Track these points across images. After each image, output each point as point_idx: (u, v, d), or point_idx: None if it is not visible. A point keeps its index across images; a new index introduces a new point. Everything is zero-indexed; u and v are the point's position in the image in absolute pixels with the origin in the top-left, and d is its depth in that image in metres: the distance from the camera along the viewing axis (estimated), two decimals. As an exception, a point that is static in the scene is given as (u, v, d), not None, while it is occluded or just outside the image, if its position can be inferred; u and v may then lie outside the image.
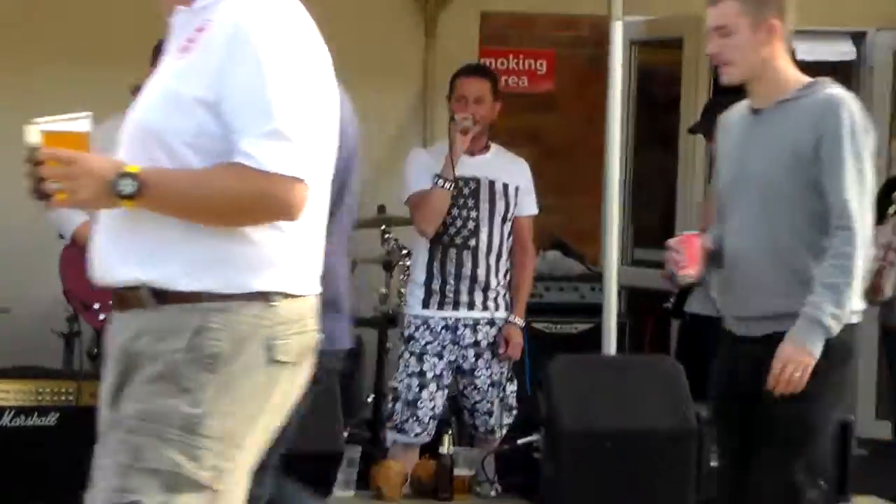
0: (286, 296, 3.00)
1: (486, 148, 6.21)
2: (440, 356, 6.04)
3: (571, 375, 5.50)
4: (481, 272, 6.06)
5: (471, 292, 6.05)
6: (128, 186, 2.98)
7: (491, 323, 6.10)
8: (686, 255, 4.34)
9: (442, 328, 6.06)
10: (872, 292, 7.06)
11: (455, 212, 6.07)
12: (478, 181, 6.10)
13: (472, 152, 6.13)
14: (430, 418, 6.00)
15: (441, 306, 6.07)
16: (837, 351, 4.15)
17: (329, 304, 3.87)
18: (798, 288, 4.15)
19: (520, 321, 6.15)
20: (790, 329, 4.11)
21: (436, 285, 6.08)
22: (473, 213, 6.07)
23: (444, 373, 6.04)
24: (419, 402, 6.00)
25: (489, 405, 6.05)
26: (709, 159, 7.93)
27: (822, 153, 4.11)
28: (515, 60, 8.53)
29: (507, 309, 6.16)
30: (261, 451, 3.08)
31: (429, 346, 6.04)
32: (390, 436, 6.08)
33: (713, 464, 5.45)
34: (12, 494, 5.72)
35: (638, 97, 8.40)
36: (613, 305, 6.02)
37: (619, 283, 6.23)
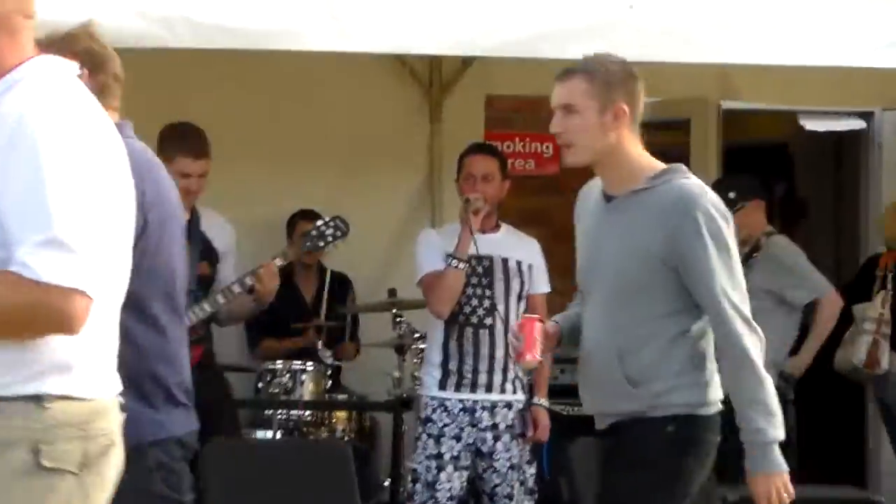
0: (66, 399, 2.86)
1: (497, 227, 6.18)
2: (458, 438, 5.96)
3: (593, 459, 5.39)
4: (499, 351, 6.00)
5: (489, 373, 6.00)
6: None
7: (509, 405, 6.02)
8: (524, 341, 4.18)
9: (459, 410, 5.99)
10: (868, 366, 7.07)
11: (469, 291, 6.02)
12: (491, 259, 6.05)
13: (482, 230, 6.09)
14: (449, 499, 5.92)
15: (458, 388, 6.01)
16: (675, 443, 4.02)
17: (185, 392, 3.82)
18: (643, 387, 4.03)
19: (545, 402, 6.11)
20: (748, 463, 4.03)
21: (453, 366, 6.02)
22: (488, 292, 6.01)
23: (462, 455, 5.96)
24: (437, 485, 5.92)
25: (509, 489, 5.97)
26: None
27: (682, 253, 3.97)
28: (521, 143, 8.52)
29: (524, 390, 6.09)
30: None
31: (446, 429, 5.97)
32: (413, 514, 6.00)
33: (741, 549, 5.36)
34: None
35: (645, 178, 8.36)
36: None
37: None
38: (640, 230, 4.01)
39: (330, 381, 7.00)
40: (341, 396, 7.08)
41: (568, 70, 4.15)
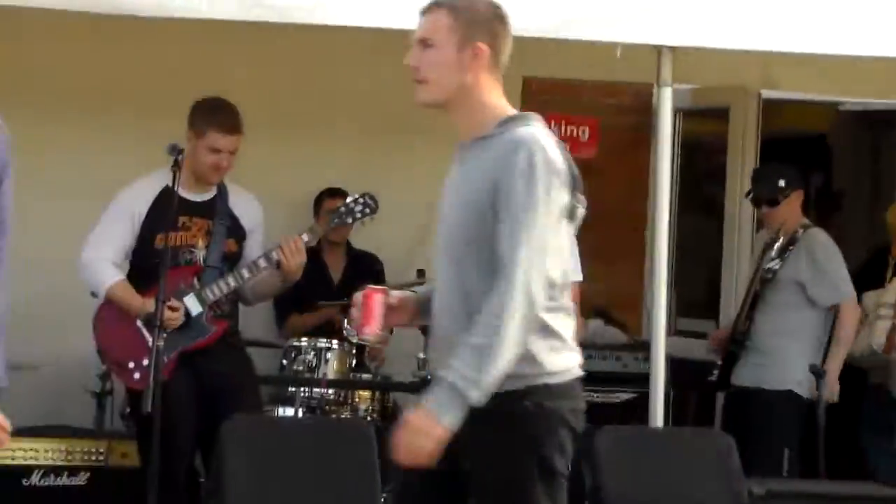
0: None
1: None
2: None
3: (618, 448, 5.34)
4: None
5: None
6: None
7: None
8: (363, 313, 3.97)
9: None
10: (887, 350, 7.03)
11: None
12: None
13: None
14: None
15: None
16: (530, 414, 3.68)
17: None
18: None
19: None
20: (426, 396, 3.65)
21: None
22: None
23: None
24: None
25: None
26: (757, 227, 7.84)
27: (499, 199, 3.71)
28: (557, 126, 8.42)
29: (550, 376, 5.99)
30: None
31: (470, 413, 5.87)
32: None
33: (765, 541, 5.31)
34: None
35: (682, 166, 8.27)
36: (661, 376, 5.87)
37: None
38: (474, 180, 3.80)
39: (354, 360, 6.92)
40: (365, 376, 7.01)
41: (432, 3, 3.90)
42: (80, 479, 5.97)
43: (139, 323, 5.67)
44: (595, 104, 8.51)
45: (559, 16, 5.93)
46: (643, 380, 7.33)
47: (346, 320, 6.92)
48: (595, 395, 7.27)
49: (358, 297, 3.97)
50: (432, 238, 7.45)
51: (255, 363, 6.38)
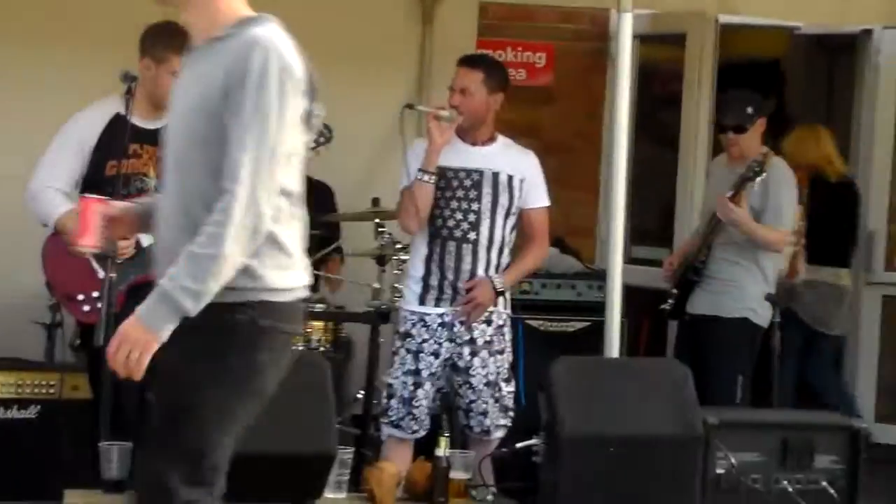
0: None
1: (492, 139, 6.00)
2: (436, 354, 5.84)
3: (574, 378, 5.30)
4: (480, 267, 5.87)
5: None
6: None
7: (488, 321, 5.89)
8: (80, 223, 3.81)
9: (438, 325, 5.86)
10: (789, 276, 7.08)
11: (455, 204, 5.87)
12: (480, 173, 5.90)
13: (473, 143, 5.94)
14: (426, 415, 5.84)
15: (438, 303, 5.88)
16: (241, 329, 3.59)
17: None
18: None
19: (498, 281, 5.86)
20: (141, 307, 3.54)
21: (434, 280, 5.89)
22: (475, 206, 5.87)
23: (440, 371, 5.85)
24: (415, 401, 5.82)
25: (484, 405, 5.86)
26: (713, 153, 7.81)
27: (229, 103, 3.55)
28: (514, 53, 8.37)
29: (505, 307, 5.96)
30: None
31: (425, 345, 5.85)
32: (386, 430, 5.90)
33: (719, 471, 5.30)
34: (-9, 488, 5.55)
35: (637, 93, 8.22)
36: (617, 305, 5.83)
37: (619, 282, 6.04)
38: (205, 83, 3.62)
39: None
40: (319, 306, 6.96)
41: None
42: (31, 413, 5.89)
43: (89, 255, 5.58)
44: (551, 30, 8.43)
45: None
46: (597, 308, 7.31)
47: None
48: (550, 324, 7.26)
49: (75, 207, 3.75)
50: (388, 167, 7.48)
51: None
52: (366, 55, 7.70)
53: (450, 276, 5.86)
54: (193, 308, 3.54)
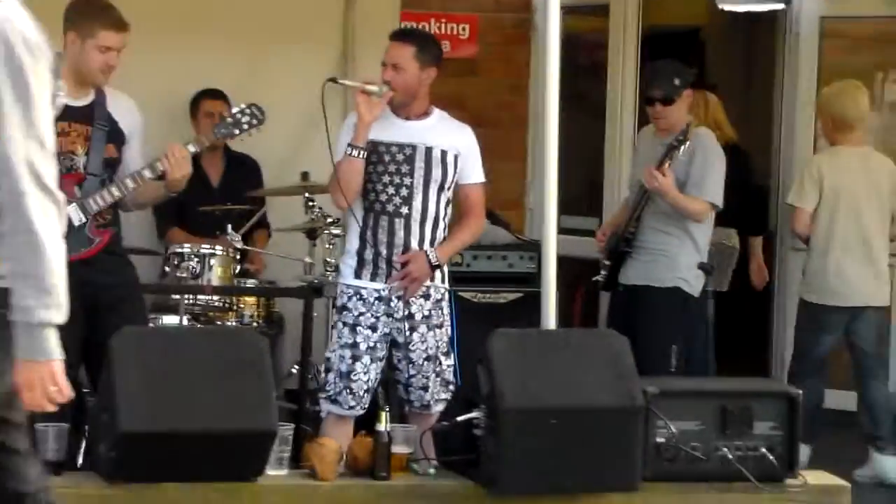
0: None
1: (426, 114, 5.96)
2: (374, 328, 5.81)
3: (512, 350, 5.29)
4: (414, 241, 5.83)
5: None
6: None
7: (426, 296, 5.87)
8: None
9: (375, 299, 5.82)
10: None
11: (387, 179, 5.83)
12: (413, 147, 5.85)
13: (408, 117, 5.90)
14: (365, 392, 5.78)
15: (374, 277, 5.84)
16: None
17: None
18: None
19: (433, 255, 5.81)
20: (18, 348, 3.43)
21: (368, 255, 5.85)
22: (407, 181, 5.83)
23: (378, 345, 5.81)
24: (353, 375, 5.77)
25: (424, 380, 5.84)
26: (638, 124, 7.83)
27: None
28: (438, 24, 8.36)
29: (443, 281, 5.94)
30: None
31: (362, 318, 5.81)
32: (324, 406, 5.85)
33: (660, 440, 5.33)
34: None
35: (562, 63, 8.22)
36: (552, 277, 5.82)
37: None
38: None
39: (238, 266, 6.80)
40: (250, 282, 6.90)
41: None
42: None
43: None
44: (474, 2, 8.43)
45: None
46: (529, 280, 7.37)
47: (228, 226, 6.80)
48: (482, 295, 7.27)
49: None
50: (315, 141, 7.42)
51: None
52: (289, 30, 7.65)
53: (383, 250, 5.82)
54: (54, 312, 3.47)
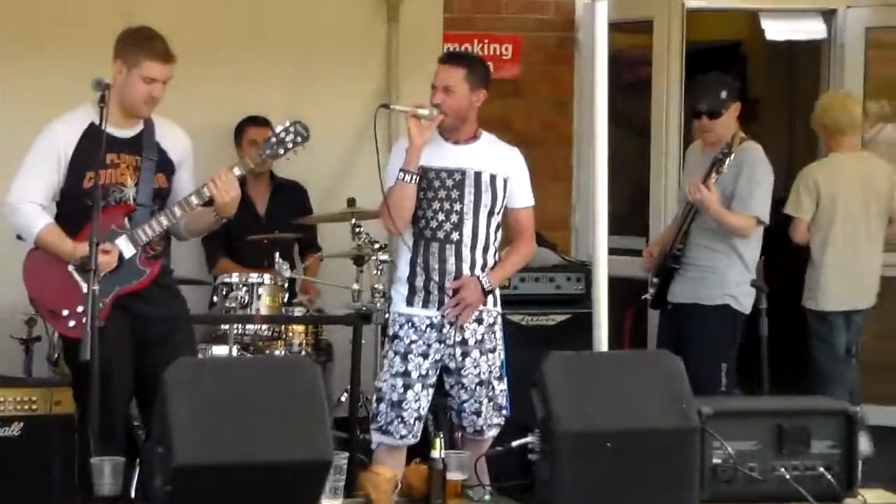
0: None
1: (475, 137, 5.93)
2: (425, 355, 5.78)
3: (566, 373, 5.23)
4: (465, 267, 5.80)
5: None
6: None
7: (479, 320, 5.83)
8: None
9: (427, 326, 5.79)
10: None
11: (437, 205, 5.80)
12: (463, 172, 5.82)
13: (457, 142, 5.87)
14: (416, 419, 5.75)
15: (426, 304, 5.80)
16: None
17: None
18: None
19: (486, 280, 5.80)
20: None
21: (419, 282, 5.81)
22: (457, 206, 5.80)
23: (430, 372, 5.78)
24: (404, 403, 5.75)
25: (477, 405, 5.81)
26: (684, 139, 7.79)
27: None
28: (480, 45, 8.36)
29: (495, 304, 5.91)
30: None
31: (413, 346, 5.78)
32: (375, 437, 5.82)
33: (716, 461, 5.27)
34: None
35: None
36: (604, 298, 5.81)
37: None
38: None
39: (287, 294, 6.80)
40: (298, 310, 6.89)
41: None
42: (14, 430, 5.79)
43: (71, 268, 5.48)
44: (517, 21, 8.42)
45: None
46: (577, 301, 7.33)
47: (276, 254, 6.80)
48: (531, 318, 7.24)
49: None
50: (361, 165, 7.41)
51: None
52: (333, 54, 7.66)
53: (435, 276, 5.80)
54: None
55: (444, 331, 5.79)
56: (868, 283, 7.47)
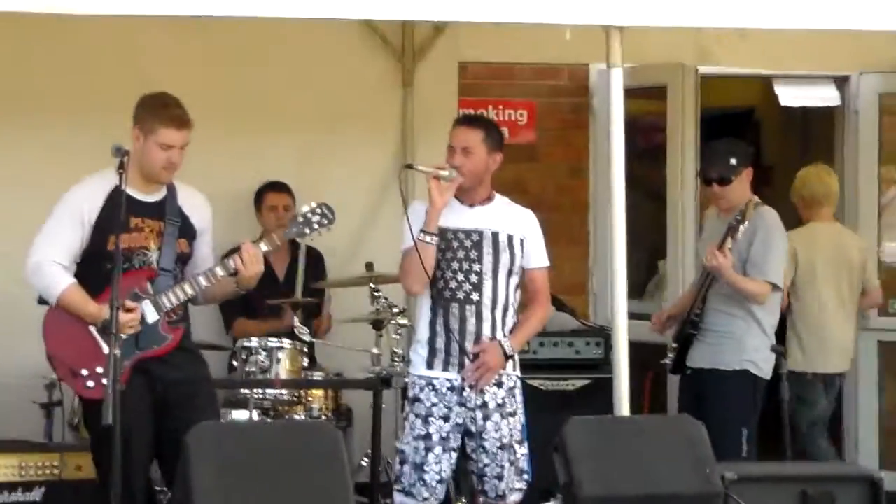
0: None
1: (489, 199, 5.96)
2: (446, 418, 5.77)
3: (588, 437, 5.25)
4: (486, 328, 5.81)
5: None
6: None
7: (499, 384, 5.83)
8: None
9: (448, 389, 5.79)
10: None
11: (456, 265, 5.82)
12: (480, 233, 5.85)
13: (472, 203, 5.90)
14: (438, 482, 5.74)
15: (446, 367, 5.80)
16: None
17: None
18: None
19: (507, 345, 5.81)
20: None
21: (440, 344, 5.81)
22: (476, 266, 5.81)
23: (451, 435, 5.77)
24: (426, 466, 5.73)
25: (499, 469, 5.78)
26: (701, 205, 7.81)
27: None
28: (495, 111, 8.40)
29: (514, 368, 5.90)
30: None
31: (434, 409, 5.77)
32: (398, 499, 5.80)
33: (740, 526, 5.26)
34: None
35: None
36: (624, 363, 5.81)
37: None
38: None
39: (306, 359, 6.80)
40: (317, 374, 6.89)
41: None
42: (36, 495, 5.81)
43: (92, 329, 5.49)
44: (531, 87, 8.47)
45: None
46: (596, 366, 7.33)
47: (295, 319, 6.81)
48: (550, 382, 7.23)
49: None
50: (378, 229, 7.43)
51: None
52: (349, 119, 7.69)
53: (456, 338, 5.80)
54: None
55: (465, 394, 5.78)
56: (843, 348, 7.62)
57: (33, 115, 7.02)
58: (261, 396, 6.61)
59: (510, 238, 5.87)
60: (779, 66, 8.48)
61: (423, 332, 5.87)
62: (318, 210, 5.88)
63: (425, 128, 7.71)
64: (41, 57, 7.08)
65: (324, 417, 6.73)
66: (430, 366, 5.82)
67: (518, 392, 5.91)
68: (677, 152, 8.06)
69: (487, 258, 5.83)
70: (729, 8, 6.07)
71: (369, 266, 6.95)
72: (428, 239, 5.76)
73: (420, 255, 5.75)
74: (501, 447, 5.79)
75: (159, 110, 5.66)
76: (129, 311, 5.44)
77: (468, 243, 5.84)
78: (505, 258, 5.85)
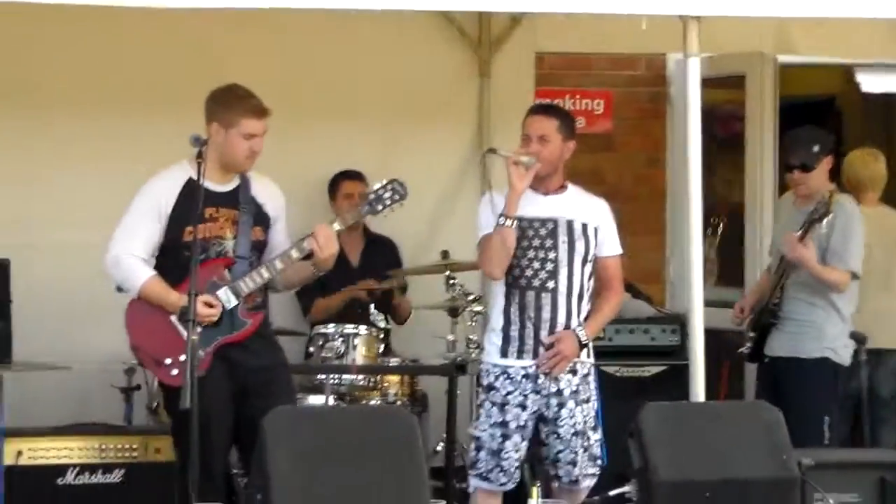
0: None
1: (563, 187, 5.97)
2: (523, 406, 5.79)
3: (665, 423, 5.25)
4: (561, 316, 5.82)
5: (551, 338, 5.81)
6: None
7: (573, 371, 5.84)
8: None
9: (522, 377, 5.80)
10: None
11: (532, 254, 5.83)
12: (555, 222, 5.86)
13: (546, 192, 5.91)
14: (516, 468, 5.77)
15: (520, 355, 5.82)
16: None
17: None
18: None
19: (582, 333, 5.82)
20: None
21: (514, 332, 5.83)
22: (552, 255, 5.83)
23: (528, 423, 5.79)
24: (503, 453, 5.76)
25: (573, 455, 5.79)
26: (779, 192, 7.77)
27: None
28: (572, 101, 8.41)
29: (588, 355, 5.91)
30: None
31: (510, 397, 5.79)
32: (473, 482, 5.83)
33: (817, 512, 5.24)
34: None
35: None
36: (700, 349, 5.79)
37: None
38: None
39: (382, 345, 6.84)
40: (393, 360, 6.93)
41: None
42: (116, 477, 5.90)
43: (173, 318, 5.56)
44: (608, 77, 8.47)
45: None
46: (672, 353, 7.32)
47: (371, 304, 6.85)
48: (625, 369, 7.23)
49: None
50: (454, 218, 7.45)
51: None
52: (425, 109, 7.72)
53: (531, 326, 5.81)
54: None
55: (540, 381, 5.80)
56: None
57: (113, 106, 7.10)
58: (337, 382, 6.65)
59: (584, 226, 5.88)
60: (859, 53, 8.39)
61: (496, 320, 5.89)
62: (391, 186, 5.88)
63: (502, 118, 7.72)
64: (128, 49, 7.16)
65: (399, 403, 6.76)
66: (504, 354, 5.84)
67: (592, 379, 5.92)
68: (756, 141, 8.03)
69: (563, 246, 5.84)
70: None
71: (445, 254, 6.99)
72: (508, 223, 5.78)
73: (503, 237, 5.76)
74: (575, 433, 5.80)
75: (239, 102, 5.73)
76: (210, 306, 5.52)
77: (543, 231, 5.85)
78: (580, 246, 5.86)
